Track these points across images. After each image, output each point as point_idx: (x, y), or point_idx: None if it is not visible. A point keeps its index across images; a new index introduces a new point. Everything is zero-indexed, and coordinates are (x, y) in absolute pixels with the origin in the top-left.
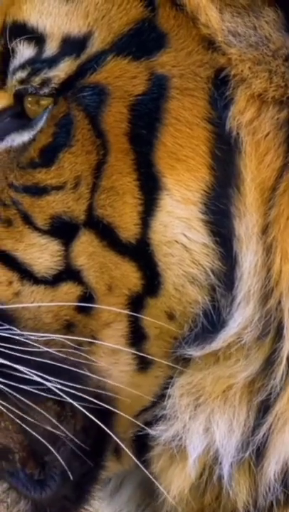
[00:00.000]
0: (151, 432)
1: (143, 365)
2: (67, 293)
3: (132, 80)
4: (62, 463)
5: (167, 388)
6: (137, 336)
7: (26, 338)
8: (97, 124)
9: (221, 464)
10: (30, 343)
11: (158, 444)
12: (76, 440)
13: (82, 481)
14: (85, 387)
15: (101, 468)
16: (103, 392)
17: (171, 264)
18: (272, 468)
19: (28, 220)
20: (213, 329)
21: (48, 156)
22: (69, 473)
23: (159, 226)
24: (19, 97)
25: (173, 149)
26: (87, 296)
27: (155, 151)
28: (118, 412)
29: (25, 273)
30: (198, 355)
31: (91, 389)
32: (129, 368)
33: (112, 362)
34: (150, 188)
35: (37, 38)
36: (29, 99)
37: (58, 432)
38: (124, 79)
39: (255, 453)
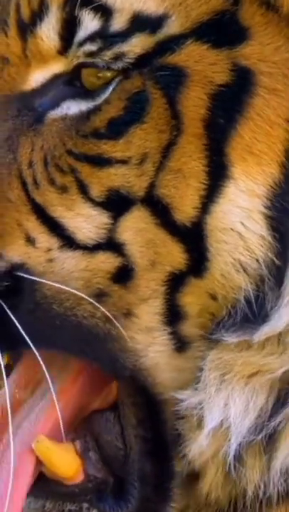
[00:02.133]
0: (178, 395)
1: (180, 344)
2: (105, 262)
3: (212, 67)
4: (136, 469)
5: None
6: (173, 315)
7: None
8: (174, 104)
9: (230, 441)
10: (55, 308)
11: (181, 409)
12: (139, 438)
13: (160, 480)
14: (122, 366)
15: (171, 460)
16: (141, 373)
17: (222, 251)
18: (280, 459)
19: (83, 189)
20: (255, 320)
21: (117, 128)
22: (145, 477)
23: (219, 213)
24: (79, 66)
25: (249, 142)
26: (126, 269)
27: (230, 141)
28: (162, 396)
29: (66, 240)
30: (234, 341)
31: (128, 367)
32: (166, 347)
33: (149, 341)
34: (217, 175)
35: (104, 10)
36: (88, 69)
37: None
38: (203, 64)
39: (267, 439)
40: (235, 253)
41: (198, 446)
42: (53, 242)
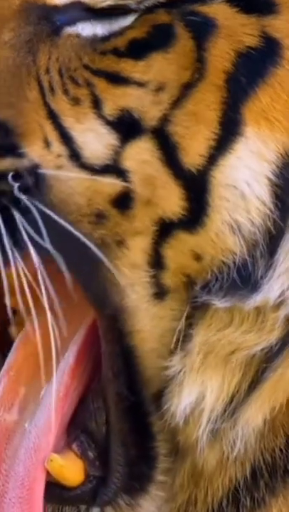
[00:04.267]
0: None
1: (159, 291)
2: (108, 184)
3: (242, 28)
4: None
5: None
6: (156, 260)
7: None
8: (200, 49)
9: (201, 426)
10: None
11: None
12: (116, 395)
13: (141, 440)
14: (107, 302)
15: (149, 417)
16: (122, 316)
17: (222, 208)
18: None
19: (97, 104)
20: (244, 286)
21: (138, 50)
22: (126, 438)
23: (226, 167)
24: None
25: (265, 108)
26: (127, 196)
27: (247, 101)
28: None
29: (74, 153)
30: (223, 306)
31: (112, 305)
32: (147, 291)
33: (133, 278)
34: (229, 129)
35: None
36: None
37: None
38: (234, 22)
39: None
40: (235, 213)
41: (180, 408)
42: (63, 150)
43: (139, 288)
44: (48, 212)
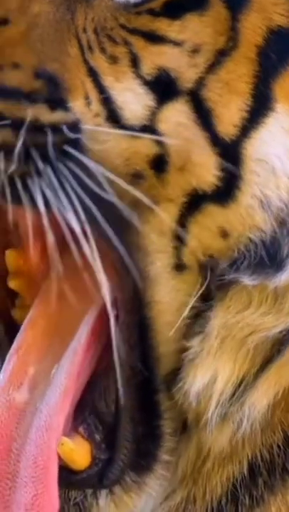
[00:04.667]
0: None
1: (179, 265)
2: (145, 145)
3: (273, 6)
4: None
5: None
6: (179, 235)
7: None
8: (234, 20)
9: (212, 404)
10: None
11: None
12: (128, 368)
13: (149, 417)
14: (130, 266)
15: (158, 393)
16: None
17: (253, 183)
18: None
19: (135, 62)
20: (271, 265)
21: (173, 9)
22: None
23: (258, 140)
24: None
25: None
26: (162, 160)
27: (278, 78)
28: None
29: (112, 113)
30: (251, 284)
31: (135, 271)
32: (168, 261)
33: (158, 246)
34: (261, 103)
35: None
36: None
37: None
38: (265, 0)
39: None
40: (265, 188)
41: (193, 389)
42: (101, 110)
43: (163, 257)
44: (92, 166)
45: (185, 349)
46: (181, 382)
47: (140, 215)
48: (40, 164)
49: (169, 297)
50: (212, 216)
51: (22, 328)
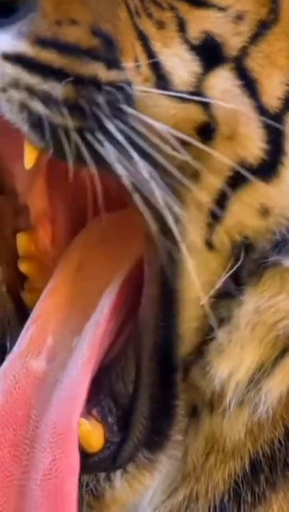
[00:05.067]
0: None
1: (212, 242)
2: (193, 112)
3: None
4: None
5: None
6: (217, 210)
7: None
8: None
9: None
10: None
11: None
12: (152, 344)
13: (166, 395)
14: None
15: (176, 372)
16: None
17: None
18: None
19: (181, 26)
20: None
21: None
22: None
23: None
24: None
25: None
26: (209, 127)
27: None
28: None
29: (162, 79)
30: None
31: (169, 243)
32: (202, 235)
33: (194, 218)
34: None
35: None
36: None
37: None
38: None
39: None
40: None
41: (216, 374)
42: (151, 74)
43: (197, 230)
44: (155, 124)
45: (209, 331)
46: (207, 367)
47: (184, 181)
48: (105, 120)
49: (198, 272)
50: (255, 192)
51: (41, 297)
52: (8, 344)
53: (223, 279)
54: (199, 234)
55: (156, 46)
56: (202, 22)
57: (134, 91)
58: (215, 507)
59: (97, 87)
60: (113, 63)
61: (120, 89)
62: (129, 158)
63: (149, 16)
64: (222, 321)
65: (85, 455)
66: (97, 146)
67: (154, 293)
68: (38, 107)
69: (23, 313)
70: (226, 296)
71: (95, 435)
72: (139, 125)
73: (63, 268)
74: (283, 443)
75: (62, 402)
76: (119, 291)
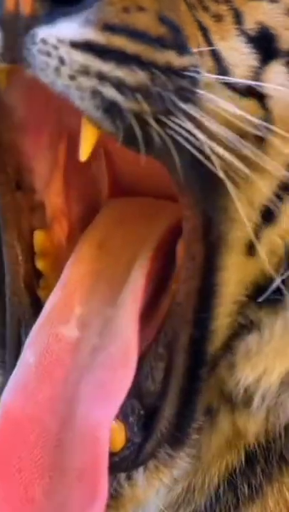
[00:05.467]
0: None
1: (252, 246)
2: (251, 107)
3: None
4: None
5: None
6: (266, 212)
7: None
8: None
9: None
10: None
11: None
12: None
13: (191, 391)
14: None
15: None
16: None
17: None
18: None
19: (238, 18)
20: None
21: None
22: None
23: None
24: None
25: None
26: (264, 125)
27: None
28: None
29: (222, 72)
30: None
31: (215, 235)
32: (245, 237)
33: (242, 216)
34: None
35: None
36: None
37: None
38: None
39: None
40: None
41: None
42: (212, 66)
43: (243, 229)
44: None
45: (239, 328)
46: (235, 368)
47: (234, 179)
48: (179, 103)
49: (238, 269)
50: None
51: (64, 270)
52: (22, 337)
53: (275, 284)
54: (245, 234)
55: (215, 39)
56: (257, 13)
57: (202, 77)
58: (211, 498)
59: (170, 73)
60: (183, 49)
61: (190, 74)
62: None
63: (205, 9)
64: (252, 324)
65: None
66: (177, 128)
67: (198, 284)
68: (110, 92)
69: (38, 309)
70: (265, 300)
71: (117, 435)
72: (209, 107)
73: (84, 244)
74: (278, 434)
75: (111, 367)
76: (150, 264)
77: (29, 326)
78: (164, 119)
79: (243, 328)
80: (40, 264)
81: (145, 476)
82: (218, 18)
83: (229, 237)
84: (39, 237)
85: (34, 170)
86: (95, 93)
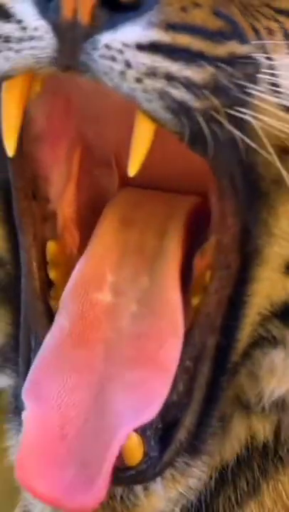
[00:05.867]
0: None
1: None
2: None
3: None
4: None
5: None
6: None
7: None
8: None
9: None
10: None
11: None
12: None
13: (212, 394)
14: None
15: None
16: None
17: None
18: None
19: (288, 38)
20: None
21: None
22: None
23: None
24: None
25: None
26: None
27: None
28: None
29: (273, 84)
30: None
31: (253, 245)
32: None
33: (282, 235)
34: None
35: None
36: None
37: None
38: None
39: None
40: None
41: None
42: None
43: (282, 245)
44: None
45: (260, 339)
46: (257, 381)
47: (277, 192)
48: (250, 87)
49: (268, 285)
50: None
51: (90, 243)
52: (32, 342)
53: None
54: (285, 249)
55: (268, 48)
56: None
57: (262, 63)
58: (206, 493)
59: (235, 63)
60: (243, 39)
61: (254, 59)
62: None
63: (257, 19)
64: (276, 340)
65: (122, 468)
66: (238, 120)
67: (225, 294)
68: (179, 93)
69: (51, 318)
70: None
71: (136, 449)
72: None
73: (105, 220)
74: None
75: (158, 337)
76: (184, 234)
77: (40, 335)
78: (230, 111)
79: (263, 339)
80: (52, 274)
81: (162, 485)
82: (270, 31)
83: (266, 250)
84: (51, 248)
85: (49, 180)
86: (163, 94)
